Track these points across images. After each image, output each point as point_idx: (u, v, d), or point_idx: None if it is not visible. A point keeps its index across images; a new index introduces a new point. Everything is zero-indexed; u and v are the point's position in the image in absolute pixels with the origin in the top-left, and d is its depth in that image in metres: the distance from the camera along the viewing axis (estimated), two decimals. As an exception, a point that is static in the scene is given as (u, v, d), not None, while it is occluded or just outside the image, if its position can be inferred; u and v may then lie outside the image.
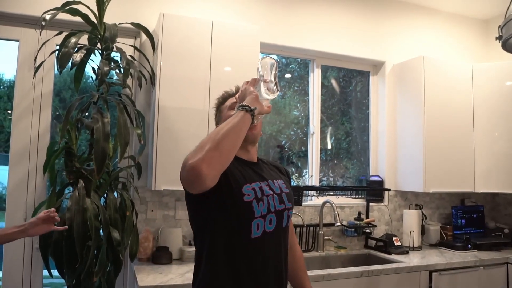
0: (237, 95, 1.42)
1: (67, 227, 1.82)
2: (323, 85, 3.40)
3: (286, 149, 3.38)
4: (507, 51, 2.12)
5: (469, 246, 3.06)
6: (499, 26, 2.05)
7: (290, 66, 3.53)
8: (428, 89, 3.14)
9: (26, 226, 1.63)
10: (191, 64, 2.44)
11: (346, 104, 3.66)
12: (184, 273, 2.22)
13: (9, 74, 2.70)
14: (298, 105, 3.47)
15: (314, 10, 3.22)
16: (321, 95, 3.35)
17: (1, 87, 2.80)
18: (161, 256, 2.42)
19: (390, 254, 2.89)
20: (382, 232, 3.24)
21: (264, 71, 1.33)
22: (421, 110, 3.13)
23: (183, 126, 2.39)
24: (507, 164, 3.19)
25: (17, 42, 2.51)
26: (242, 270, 1.31)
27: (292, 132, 3.45)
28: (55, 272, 2.09)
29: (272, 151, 3.34)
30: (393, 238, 2.99)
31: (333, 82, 3.57)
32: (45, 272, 2.21)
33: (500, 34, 2.04)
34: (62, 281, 2.11)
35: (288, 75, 3.46)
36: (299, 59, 3.44)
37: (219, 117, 1.53)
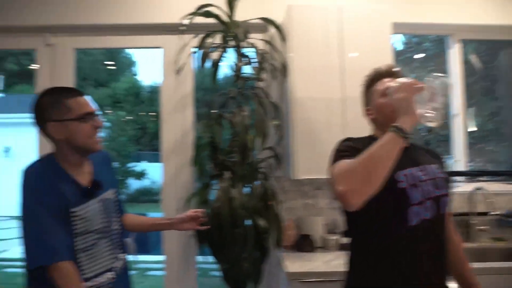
0: (391, 86, 1.27)
1: (209, 226, 1.81)
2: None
3: (427, 133, 3.15)
4: None
5: None
6: None
7: (423, 45, 3.27)
8: None
9: (174, 221, 1.73)
10: (321, 52, 2.41)
11: (490, 81, 3.26)
12: (329, 261, 2.19)
13: (148, 80, 2.98)
14: (434, 85, 3.19)
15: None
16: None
17: (143, 92, 3.11)
18: (304, 244, 2.43)
19: None
20: (549, 223, 2.80)
21: (435, 93, 1.14)
22: None
23: (318, 115, 2.37)
24: None
25: (162, 49, 2.75)
26: (400, 262, 1.26)
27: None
28: (208, 258, 2.24)
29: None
30: None
31: (472, 57, 3.21)
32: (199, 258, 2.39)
33: None
34: (210, 266, 2.25)
35: (420, 55, 3.21)
36: (433, 36, 3.16)
37: (368, 99, 1.46)
